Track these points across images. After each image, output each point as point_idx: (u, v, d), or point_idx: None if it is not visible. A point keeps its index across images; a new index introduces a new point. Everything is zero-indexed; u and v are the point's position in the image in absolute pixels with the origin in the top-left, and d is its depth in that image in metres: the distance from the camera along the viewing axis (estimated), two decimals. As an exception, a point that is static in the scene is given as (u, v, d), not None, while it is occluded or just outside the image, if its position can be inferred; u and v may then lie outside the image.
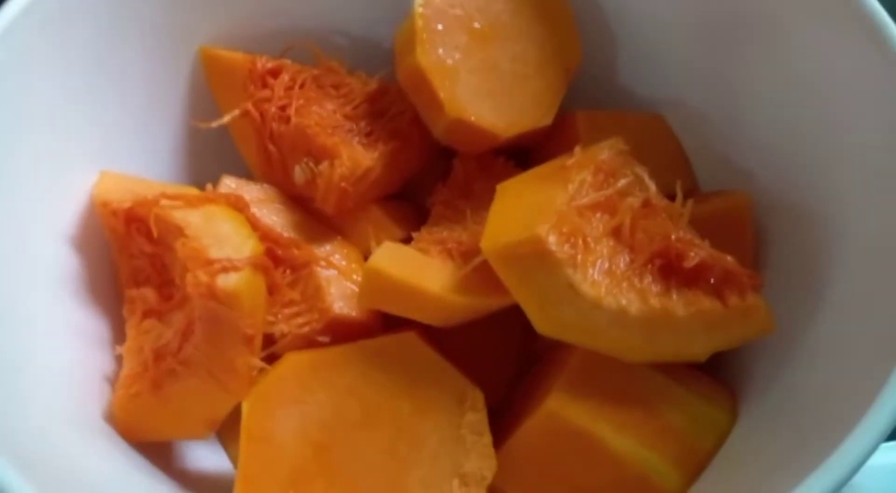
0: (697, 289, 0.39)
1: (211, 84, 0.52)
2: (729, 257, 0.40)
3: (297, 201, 0.51)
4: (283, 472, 0.40)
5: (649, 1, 0.50)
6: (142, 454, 0.43)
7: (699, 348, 0.39)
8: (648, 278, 0.39)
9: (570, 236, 0.39)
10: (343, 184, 0.48)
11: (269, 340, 0.45)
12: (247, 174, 0.52)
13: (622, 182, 0.42)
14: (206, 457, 0.48)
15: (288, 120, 0.50)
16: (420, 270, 0.43)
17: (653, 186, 0.42)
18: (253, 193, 0.50)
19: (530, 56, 0.49)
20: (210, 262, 0.42)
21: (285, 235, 0.48)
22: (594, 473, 0.40)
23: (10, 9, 0.42)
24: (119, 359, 0.45)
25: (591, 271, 0.39)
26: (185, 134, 0.54)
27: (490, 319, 0.43)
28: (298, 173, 0.49)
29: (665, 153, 0.51)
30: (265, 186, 0.51)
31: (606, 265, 0.39)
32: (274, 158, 0.51)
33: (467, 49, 0.48)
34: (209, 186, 0.48)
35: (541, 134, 0.50)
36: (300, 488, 0.40)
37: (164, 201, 0.45)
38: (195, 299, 0.41)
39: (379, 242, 0.45)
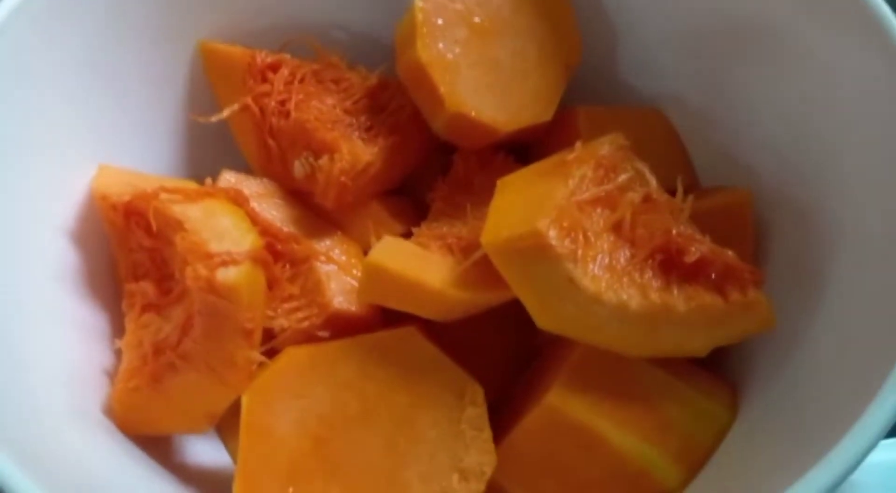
0: (698, 284, 0.39)
1: (210, 78, 0.52)
2: (730, 252, 0.40)
3: (297, 196, 0.51)
4: (283, 466, 0.40)
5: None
6: (141, 447, 0.43)
7: (700, 344, 0.39)
8: (649, 273, 0.39)
9: (570, 231, 0.39)
10: (343, 178, 0.48)
11: (268, 334, 0.45)
12: (246, 169, 0.52)
13: (623, 177, 0.41)
14: (205, 451, 0.48)
15: (287, 115, 0.50)
16: (420, 264, 0.43)
17: (653, 182, 0.42)
18: (252, 187, 0.50)
19: (531, 51, 0.49)
20: (210, 255, 0.42)
21: (285, 229, 0.48)
22: (594, 468, 0.40)
23: (9, 2, 0.42)
24: (118, 353, 0.45)
25: (591, 265, 0.39)
26: (184, 128, 0.53)
27: (490, 314, 0.43)
28: (298, 168, 0.49)
29: (665, 149, 0.51)
30: (265, 180, 0.51)
31: (607, 260, 0.39)
32: (273, 152, 0.51)
33: (468, 44, 0.48)
34: (208, 181, 0.48)
35: (541, 129, 0.50)
36: (299, 482, 0.40)
37: (163, 195, 0.45)
38: (194, 293, 0.41)
39: (379, 238, 0.45)
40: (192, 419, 0.43)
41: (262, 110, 0.51)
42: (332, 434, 0.41)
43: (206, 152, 0.54)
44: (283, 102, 0.51)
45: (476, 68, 0.47)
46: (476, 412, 0.41)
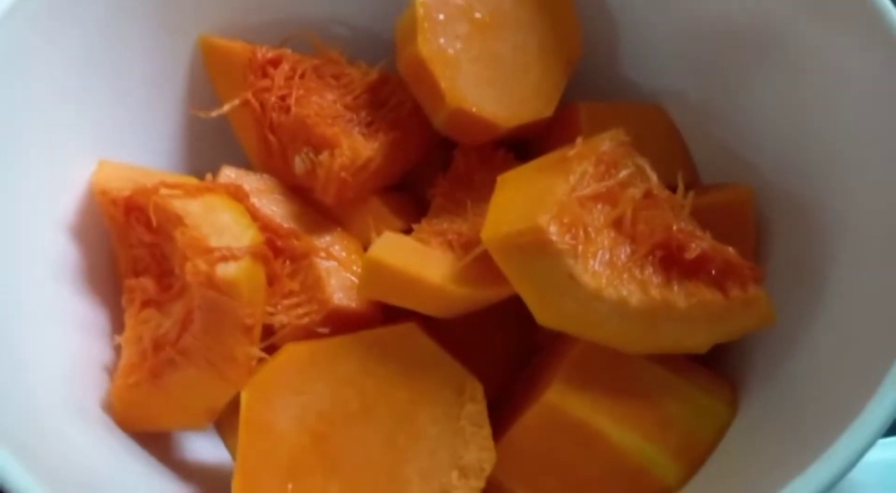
0: (698, 280, 0.39)
1: (210, 73, 0.52)
2: (730, 249, 0.40)
3: (297, 192, 0.51)
4: (282, 462, 0.40)
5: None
6: (140, 444, 0.43)
7: (700, 340, 0.39)
8: (649, 270, 0.39)
9: (571, 227, 0.39)
10: (343, 174, 0.48)
11: (268, 331, 0.45)
12: (246, 164, 0.52)
13: (623, 173, 0.41)
14: (204, 448, 0.48)
15: (288, 110, 0.50)
16: (420, 260, 0.43)
17: (654, 178, 0.42)
18: (252, 183, 0.50)
19: (531, 46, 0.49)
20: (209, 250, 0.42)
21: (285, 225, 0.48)
22: (594, 465, 0.40)
23: (8, -4, 0.42)
24: (118, 349, 0.45)
25: (591, 261, 0.38)
26: (184, 123, 0.53)
27: (490, 310, 0.43)
28: (298, 164, 0.49)
29: (666, 145, 0.51)
30: (265, 176, 0.51)
31: (607, 256, 0.39)
32: (274, 148, 0.51)
33: (468, 39, 0.47)
34: (209, 176, 0.48)
35: (542, 125, 0.49)
36: (299, 478, 0.40)
37: (163, 190, 0.45)
38: (194, 288, 0.41)
39: (379, 233, 0.44)
40: (192, 415, 0.43)
41: (262, 106, 0.51)
42: (331, 431, 0.41)
43: (207, 148, 0.54)
44: (283, 98, 0.51)
45: (477, 63, 0.47)
46: (475, 408, 0.41)
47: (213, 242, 0.42)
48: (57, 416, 0.39)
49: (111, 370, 0.45)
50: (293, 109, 0.50)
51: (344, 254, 0.48)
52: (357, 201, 0.50)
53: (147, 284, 0.45)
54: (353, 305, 0.46)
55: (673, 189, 0.42)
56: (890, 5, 0.40)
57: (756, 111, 0.47)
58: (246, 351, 0.41)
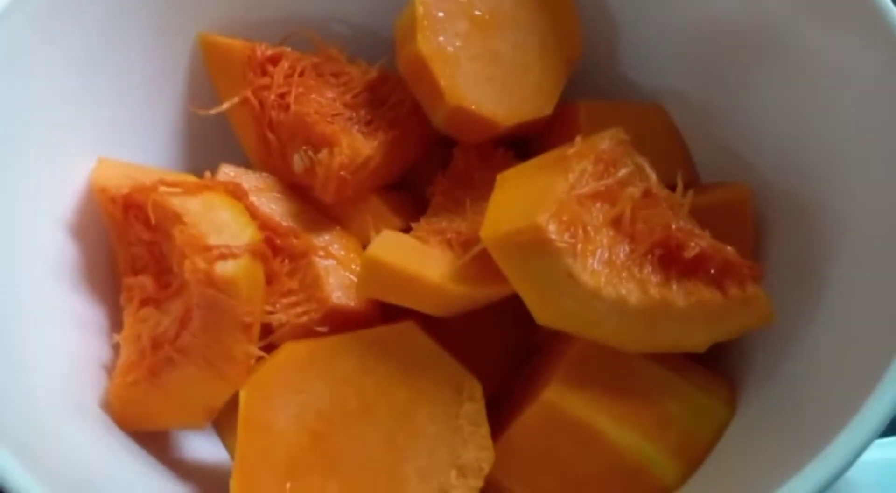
0: (697, 279, 0.39)
1: (210, 71, 0.52)
2: (729, 248, 0.40)
3: (296, 190, 0.51)
4: (281, 461, 0.40)
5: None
6: (139, 443, 0.43)
7: (699, 339, 0.39)
8: (648, 268, 0.39)
9: (570, 225, 0.39)
10: (342, 172, 0.48)
11: (266, 329, 0.45)
12: (245, 162, 0.52)
13: (623, 172, 0.41)
14: (203, 447, 0.48)
15: (287, 108, 0.50)
16: (419, 259, 0.43)
17: (653, 176, 0.42)
18: (251, 181, 0.50)
19: (531, 45, 0.49)
20: (208, 248, 0.42)
21: (284, 224, 0.48)
22: (592, 464, 0.40)
23: (7, -6, 0.42)
24: (116, 347, 0.45)
25: (590, 260, 0.38)
26: (183, 121, 0.53)
27: (489, 309, 0.43)
28: (297, 162, 0.49)
29: (666, 144, 0.51)
30: (264, 174, 0.51)
31: (606, 255, 0.39)
32: (273, 146, 0.51)
33: (468, 36, 0.47)
34: (207, 174, 0.48)
35: (541, 124, 0.49)
36: (297, 477, 0.40)
37: (162, 188, 0.44)
38: (193, 286, 0.41)
39: (378, 232, 0.44)
40: (190, 414, 0.43)
41: (261, 104, 0.51)
42: (330, 429, 0.41)
43: (206, 146, 0.54)
44: (282, 96, 0.51)
45: (476, 61, 0.47)
46: (474, 407, 0.41)
47: (212, 240, 0.42)
48: (56, 415, 0.39)
49: (110, 369, 0.45)
50: (292, 107, 0.50)
51: (343, 253, 0.48)
52: (356, 200, 0.50)
53: (146, 282, 0.45)
54: (352, 303, 0.45)
55: (672, 188, 0.42)
56: (890, 5, 0.39)
57: (756, 111, 0.47)
58: (244, 350, 0.41)
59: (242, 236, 0.43)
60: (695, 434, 0.40)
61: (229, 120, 0.52)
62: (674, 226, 0.40)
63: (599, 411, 0.39)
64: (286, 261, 0.47)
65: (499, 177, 0.44)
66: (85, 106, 0.47)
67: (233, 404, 0.42)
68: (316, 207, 0.50)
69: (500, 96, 0.47)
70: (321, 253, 0.47)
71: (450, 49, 0.46)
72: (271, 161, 0.51)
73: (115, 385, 0.43)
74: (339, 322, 0.45)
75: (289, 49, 0.52)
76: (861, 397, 0.32)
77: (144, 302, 0.45)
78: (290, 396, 0.41)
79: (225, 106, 0.51)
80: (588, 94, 0.52)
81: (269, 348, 0.43)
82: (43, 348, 0.41)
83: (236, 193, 0.46)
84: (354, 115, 0.51)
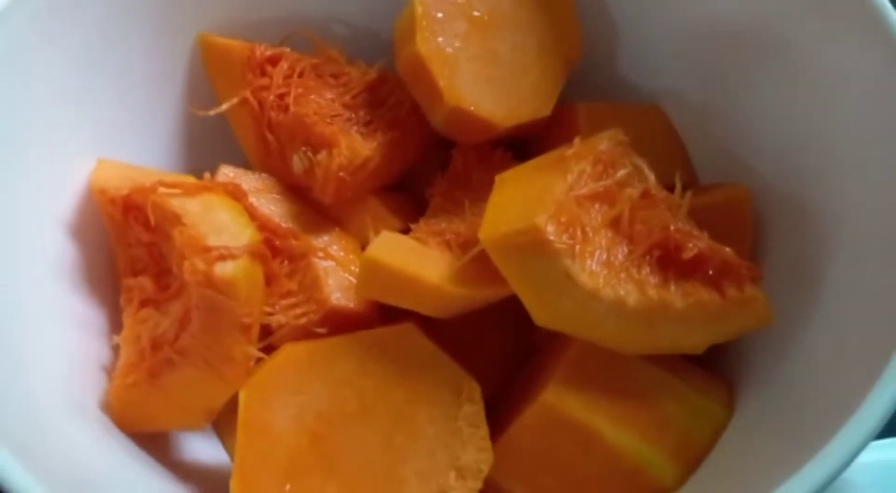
0: (695, 280, 0.39)
1: (209, 72, 0.52)
2: (727, 249, 0.40)
3: (296, 191, 0.51)
4: (280, 462, 0.40)
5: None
6: (138, 444, 0.43)
7: (697, 340, 0.39)
8: (646, 269, 0.39)
9: (568, 226, 0.39)
10: (341, 173, 0.48)
11: (266, 331, 0.45)
12: (245, 163, 0.52)
13: (621, 173, 0.41)
14: (203, 448, 0.48)
15: (286, 109, 0.50)
16: (418, 260, 0.43)
17: (652, 177, 0.42)
18: (251, 182, 0.50)
19: (530, 45, 0.49)
20: (207, 249, 0.42)
21: (283, 225, 0.48)
22: (591, 465, 0.40)
23: (6, -5, 0.42)
24: (116, 348, 0.45)
25: (589, 261, 0.39)
26: (183, 122, 0.53)
27: (488, 310, 0.43)
28: (296, 163, 0.49)
29: (664, 145, 0.51)
30: (263, 175, 0.51)
31: (605, 256, 0.39)
32: (272, 147, 0.51)
33: (467, 37, 0.47)
34: (207, 175, 0.48)
35: (540, 125, 0.49)
36: (296, 478, 0.40)
37: (161, 189, 0.44)
38: (192, 287, 0.41)
39: (377, 233, 0.44)
40: (190, 415, 0.43)
41: (260, 104, 0.51)
42: (329, 431, 0.41)
43: (205, 147, 0.54)
44: (281, 96, 0.51)
45: (475, 62, 0.47)
46: (473, 409, 0.41)
47: (211, 241, 0.42)
48: (56, 415, 0.39)
49: (109, 370, 0.45)
50: (291, 108, 0.50)
51: (342, 254, 0.48)
52: (355, 201, 0.50)
53: (145, 283, 0.45)
54: (351, 305, 0.46)
55: (671, 189, 0.42)
56: (889, 6, 0.40)
57: (755, 112, 0.47)
58: (244, 351, 0.41)
59: (242, 237, 0.43)
60: (693, 435, 0.40)
61: (229, 121, 0.52)
62: (672, 227, 0.40)
63: (598, 412, 0.40)
64: (285, 262, 0.47)
65: (497, 178, 0.44)
66: (85, 106, 0.47)
67: (232, 405, 0.42)
68: (315, 208, 0.50)
69: (499, 97, 0.47)
70: (320, 254, 0.47)
71: (449, 50, 0.46)
72: (270, 162, 0.51)
73: (115, 387, 0.43)
74: (339, 323, 0.45)
75: (288, 50, 0.52)
76: (859, 397, 0.32)
77: (144, 303, 0.45)
78: (290, 397, 0.41)
79: (224, 107, 0.51)
80: (587, 95, 0.52)
81: (269, 350, 0.43)
82: (43, 349, 0.41)
83: (235, 194, 0.46)
84: (353, 116, 0.51)
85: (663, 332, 0.38)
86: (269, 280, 0.45)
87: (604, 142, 0.42)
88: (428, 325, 0.43)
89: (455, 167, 0.51)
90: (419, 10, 0.46)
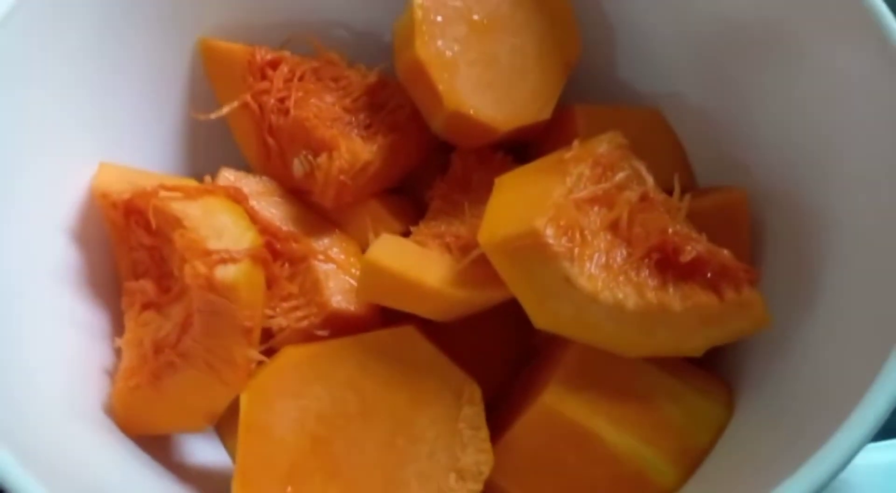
0: (694, 283, 0.39)
1: (210, 76, 0.52)
2: (725, 252, 0.40)
3: (296, 194, 0.51)
4: (282, 465, 0.40)
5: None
6: (141, 446, 0.43)
7: (696, 343, 0.39)
8: (645, 272, 0.39)
9: (567, 230, 0.39)
10: (342, 177, 0.48)
11: (267, 334, 0.45)
12: (245, 167, 0.52)
13: (620, 176, 0.41)
14: (205, 450, 0.48)
15: (287, 112, 0.50)
16: (418, 263, 0.43)
17: (650, 180, 0.42)
18: (251, 185, 0.50)
19: (529, 49, 0.49)
20: (208, 253, 0.42)
21: (284, 228, 0.48)
22: (591, 468, 0.40)
23: (8, 0, 0.42)
24: (118, 351, 0.45)
25: (588, 264, 0.39)
26: (184, 125, 0.54)
27: (488, 313, 0.43)
28: (297, 166, 0.49)
29: (663, 148, 0.51)
30: (264, 178, 0.51)
31: (603, 259, 0.39)
32: (273, 150, 0.51)
33: (466, 41, 0.47)
34: (208, 179, 0.48)
35: (539, 128, 0.49)
36: (298, 481, 0.40)
37: (162, 193, 0.45)
38: (194, 291, 0.41)
39: (377, 236, 0.44)
40: (192, 418, 0.43)
41: (261, 108, 0.51)
42: (330, 433, 0.41)
43: (206, 150, 0.54)
44: (282, 100, 0.51)
45: (475, 66, 0.47)
46: (473, 411, 0.41)
47: (212, 244, 0.42)
48: (58, 418, 0.39)
49: (112, 373, 0.45)
50: (292, 112, 0.50)
51: (342, 256, 0.48)
52: (356, 204, 0.50)
53: (147, 286, 0.45)
54: (352, 307, 0.46)
55: (669, 192, 0.42)
56: (885, 9, 0.40)
57: (753, 114, 0.47)
58: (245, 354, 0.41)
59: (243, 241, 0.43)
60: (693, 437, 0.40)
61: (229, 124, 0.52)
62: (670, 230, 0.40)
63: (597, 414, 0.40)
64: (286, 265, 0.47)
65: (496, 181, 0.44)
66: (86, 111, 0.47)
67: (235, 407, 0.42)
68: (316, 211, 0.50)
69: (499, 101, 0.47)
70: (321, 257, 0.47)
71: (448, 54, 0.47)
72: (271, 165, 0.51)
73: (118, 390, 0.43)
74: (340, 326, 0.45)
75: (288, 53, 0.52)
76: (856, 398, 0.32)
77: (146, 306, 0.45)
78: (291, 400, 0.41)
79: (225, 110, 0.51)
80: (586, 97, 0.52)
81: (270, 353, 0.43)
82: (45, 352, 0.41)
83: (236, 197, 0.47)
84: (354, 119, 0.51)
85: (662, 335, 0.38)
86: (270, 283, 0.45)
87: (603, 145, 0.42)
88: (428, 327, 0.43)
89: (455, 170, 0.51)
90: (418, 14, 0.46)
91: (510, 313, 0.41)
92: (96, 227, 0.47)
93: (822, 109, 0.43)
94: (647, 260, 0.40)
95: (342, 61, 0.53)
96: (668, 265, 0.40)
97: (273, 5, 0.54)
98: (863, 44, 0.40)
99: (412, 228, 0.49)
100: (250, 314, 0.42)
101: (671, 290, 0.39)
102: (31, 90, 0.43)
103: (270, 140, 0.51)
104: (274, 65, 0.51)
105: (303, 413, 0.41)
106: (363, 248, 0.49)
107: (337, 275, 0.47)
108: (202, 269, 0.41)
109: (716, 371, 0.44)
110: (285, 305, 0.46)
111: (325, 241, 0.49)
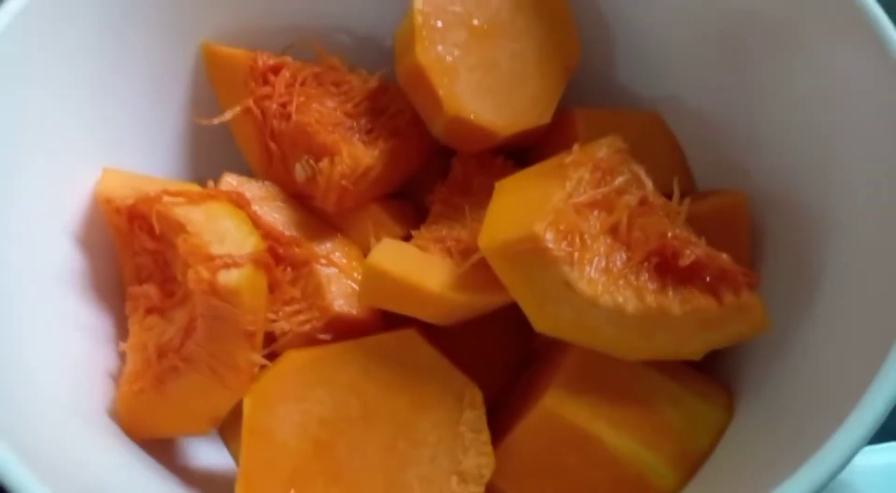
0: (693, 287, 0.39)
1: (212, 81, 0.53)
2: (725, 255, 0.40)
3: (298, 199, 0.51)
4: (284, 468, 0.40)
5: (647, 0, 0.51)
6: (145, 449, 0.44)
7: (695, 346, 0.39)
8: (645, 276, 0.39)
9: (567, 234, 0.39)
10: (343, 182, 0.48)
11: (269, 338, 0.45)
12: (248, 172, 0.52)
13: (620, 180, 0.41)
14: (208, 453, 0.48)
15: (289, 117, 0.50)
16: (419, 267, 0.43)
17: (650, 184, 0.42)
18: (254, 190, 0.50)
19: (529, 54, 0.49)
20: (211, 258, 0.42)
21: (286, 232, 0.48)
22: (591, 471, 0.40)
23: (12, 5, 0.42)
24: (123, 356, 0.46)
25: (587, 268, 0.39)
26: (187, 131, 0.54)
27: (489, 317, 0.43)
28: (299, 171, 0.49)
29: (662, 152, 0.51)
30: (266, 183, 0.51)
31: (603, 263, 0.39)
32: (275, 155, 0.51)
33: (467, 46, 0.47)
34: (210, 183, 0.48)
35: (539, 133, 0.50)
36: (301, 484, 0.40)
37: (165, 198, 0.45)
38: (197, 296, 0.41)
39: (378, 240, 0.44)
40: (195, 422, 0.43)
41: (263, 113, 0.51)
42: (332, 436, 0.41)
43: (209, 155, 0.54)
44: (284, 105, 0.51)
45: (475, 71, 0.47)
46: (475, 414, 0.41)
47: (215, 249, 0.42)
48: (62, 422, 0.39)
49: (116, 377, 0.45)
50: (294, 117, 0.50)
51: (344, 261, 0.48)
52: (357, 209, 0.50)
53: (150, 291, 0.46)
54: (354, 311, 0.46)
55: (669, 196, 0.42)
56: (881, 13, 0.40)
57: (752, 117, 0.47)
58: (248, 358, 0.42)
59: (245, 245, 0.43)
60: (693, 440, 0.40)
61: (231, 129, 0.52)
62: (670, 234, 0.40)
63: (598, 417, 0.40)
64: (288, 269, 0.47)
65: (496, 185, 0.44)
66: (89, 116, 0.47)
67: (238, 411, 0.42)
68: (318, 215, 0.50)
69: (499, 106, 0.47)
70: (323, 261, 0.47)
71: (448, 59, 0.47)
72: (273, 170, 0.52)
73: (122, 394, 0.44)
74: (342, 330, 0.45)
75: (290, 58, 0.52)
76: (855, 399, 0.33)
77: (149, 311, 0.45)
78: (293, 404, 0.42)
79: (227, 115, 0.51)
80: (585, 102, 0.52)
81: (272, 357, 0.43)
82: (50, 356, 0.41)
83: (239, 202, 0.47)
84: (355, 124, 0.51)
85: (661, 338, 0.39)
86: (273, 288, 0.45)
87: (602, 149, 0.42)
88: (430, 331, 0.43)
89: (455, 174, 0.51)
90: (419, 19, 0.46)
91: (511, 316, 0.41)
92: (100, 231, 0.47)
93: (822, 110, 0.43)
94: (646, 264, 0.40)
95: (343, 66, 0.53)
96: (667, 269, 0.40)
97: (275, 10, 0.54)
98: (862, 45, 0.40)
99: (413, 233, 0.49)
100: (253, 319, 0.42)
101: (670, 294, 0.39)
102: (32, 90, 0.44)
103: (272, 145, 0.51)
104: (276, 70, 0.51)
105: (305, 417, 0.41)
106: (365, 252, 0.49)
107: (339, 279, 0.47)
108: (205, 274, 0.41)
109: (715, 374, 0.44)
110: (288, 309, 0.46)
111: (327, 245, 0.49)
